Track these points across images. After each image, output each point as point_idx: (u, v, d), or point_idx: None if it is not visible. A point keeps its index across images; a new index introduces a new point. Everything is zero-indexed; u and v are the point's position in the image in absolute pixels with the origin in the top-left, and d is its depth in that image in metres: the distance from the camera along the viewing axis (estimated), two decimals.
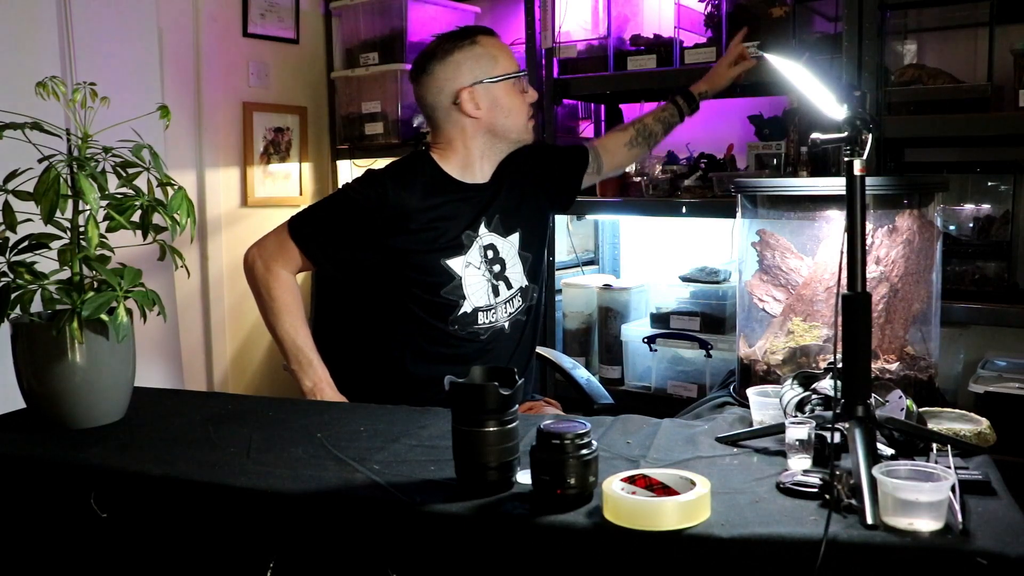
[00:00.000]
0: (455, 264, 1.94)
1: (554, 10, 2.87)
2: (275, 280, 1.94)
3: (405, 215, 1.92)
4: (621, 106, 3.25)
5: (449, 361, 1.93)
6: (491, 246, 1.99)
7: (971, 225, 2.49)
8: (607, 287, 2.99)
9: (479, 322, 1.97)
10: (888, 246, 1.81)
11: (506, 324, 2.00)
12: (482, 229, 1.98)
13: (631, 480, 1.14)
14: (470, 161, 1.99)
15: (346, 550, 1.21)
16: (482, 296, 1.97)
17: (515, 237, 2.03)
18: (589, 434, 1.16)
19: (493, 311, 1.98)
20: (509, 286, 2.01)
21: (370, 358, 2.00)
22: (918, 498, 1.05)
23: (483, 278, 1.97)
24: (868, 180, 1.31)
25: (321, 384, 1.90)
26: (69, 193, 1.45)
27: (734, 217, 2.03)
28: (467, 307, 1.95)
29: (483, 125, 1.96)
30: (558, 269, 3.02)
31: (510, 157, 2.05)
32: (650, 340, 2.77)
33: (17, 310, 1.48)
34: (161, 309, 1.54)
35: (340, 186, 2.07)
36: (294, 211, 2.02)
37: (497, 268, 1.99)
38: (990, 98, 2.20)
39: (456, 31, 1.98)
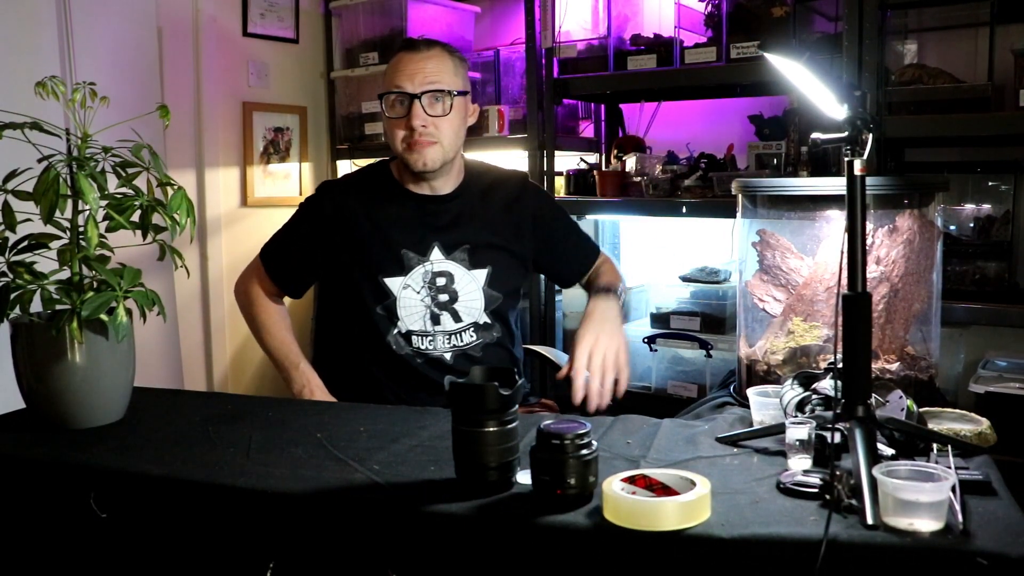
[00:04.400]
0: (392, 283, 1.89)
1: (554, 10, 2.87)
2: (255, 304, 2.01)
3: (347, 219, 1.91)
4: (621, 106, 3.26)
5: (391, 381, 1.90)
6: (445, 274, 1.91)
7: (971, 225, 2.49)
8: None
9: (413, 344, 1.89)
10: (888, 246, 1.81)
11: (447, 355, 1.90)
12: (435, 254, 1.91)
13: (631, 480, 1.14)
14: (400, 171, 1.96)
15: (346, 550, 1.21)
16: (416, 321, 1.89)
17: (482, 273, 1.93)
18: (589, 434, 1.16)
19: (430, 338, 1.90)
20: (457, 319, 1.91)
21: (354, 368, 1.97)
22: (918, 498, 1.04)
23: (421, 304, 1.89)
24: (868, 180, 1.31)
25: (310, 386, 1.91)
26: (69, 193, 1.45)
27: (734, 217, 2.03)
28: (401, 327, 1.89)
29: None
30: None
31: (502, 188, 2.00)
32: (650, 340, 2.77)
33: (17, 310, 1.47)
34: (161, 309, 1.54)
35: None
36: (293, 211, 2.02)
37: (444, 297, 1.90)
38: (990, 98, 2.20)
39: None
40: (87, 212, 1.45)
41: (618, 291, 1.98)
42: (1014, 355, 2.35)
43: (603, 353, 1.78)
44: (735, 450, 1.38)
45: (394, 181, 1.96)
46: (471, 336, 1.93)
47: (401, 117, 1.87)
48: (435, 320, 1.90)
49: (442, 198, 1.95)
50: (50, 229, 1.49)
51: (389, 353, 1.89)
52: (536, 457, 1.16)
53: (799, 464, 1.28)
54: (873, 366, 1.65)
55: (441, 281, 1.91)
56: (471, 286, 1.93)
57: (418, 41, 1.93)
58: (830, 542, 1.03)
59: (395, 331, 1.90)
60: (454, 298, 1.91)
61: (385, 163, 2.01)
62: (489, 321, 1.95)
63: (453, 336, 1.91)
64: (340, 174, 3.54)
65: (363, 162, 3.51)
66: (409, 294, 1.89)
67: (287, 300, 2.05)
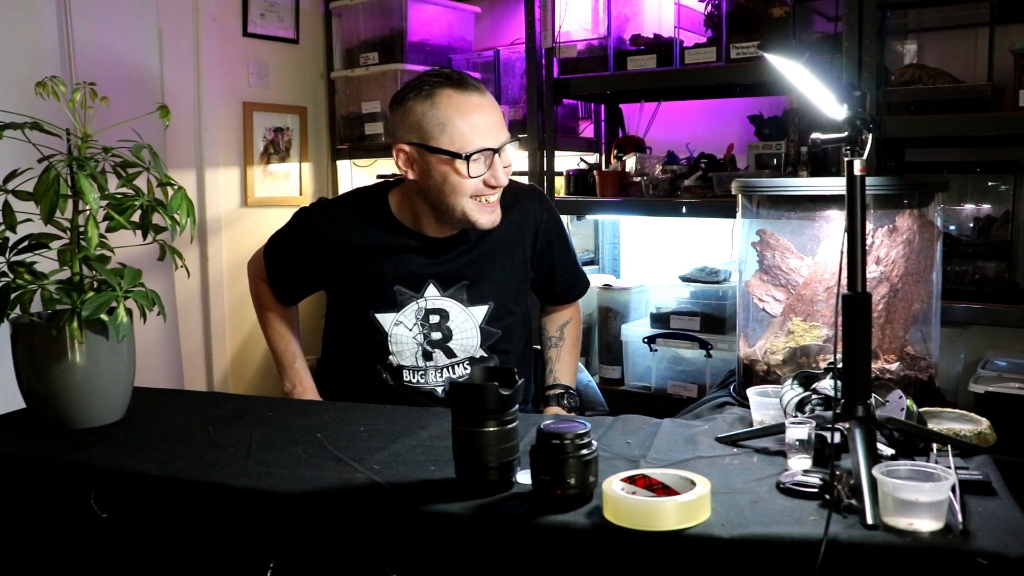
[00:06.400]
0: (384, 319, 1.81)
1: (554, 10, 2.87)
2: (260, 291, 2.00)
3: (338, 250, 1.83)
4: (621, 106, 3.26)
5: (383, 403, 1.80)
6: (439, 311, 1.83)
7: (971, 225, 2.49)
8: (607, 287, 2.99)
9: (404, 378, 1.84)
10: (888, 246, 1.81)
11: (439, 389, 1.85)
12: (430, 291, 1.82)
13: (631, 480, 1.14)
14: (416, 215, 1.81)
15: (346, 550, 1.21)
16: (409, 357, 1.83)
17: (481, 310, 1.85)
18: (589, 434, 1.16)
19: (422, 372, 1.84)
20: (450, 355, 1.84)
21: (351, 377, 1.94)
22: (918, 498, 1.05)
23: (413, 341, 1.82)
24: (868, 180, 1.31)
25: (301, 387, 1.92)
26: (69, 193, 1.45)
27: (734, 217, 2.03)
28: (393, 361, 1.83)
29: (419, 188, 1.74)
30: None
31: (522, 210, 1.88)
32: (650, 340, 2.77)
33: (17, 310, 1.48)
34: (161, 309, 1.54)
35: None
36: (293, 211, 2.02)
37: (438, 336, 1.83)
38: (990, 98, 2.20)
39: (434, 71, 1.74)
40: (87, 212, 1.45)
41: (575, 399, 1.97)
42: (1014, 355, 2.35)
43: None
44: (735, 450, 1.39)
45: (389, 214, 1.83)
46: (464, 369, 1.85)
47: (481, 174, 1.69)
48: (427, 356, 1.83)
49: (440, 240, 1.82)
50: (50, 229, 1.49)
51: (380, 381, 1.85)
52: (536, 457, 1.16)
53: (799, 464, 1.28)
54: (873, 366, 1.65)
55: (435, 319, 1.82)
56: (467, 324, 1.84)
57: (469, 79, 1.72)
58: (830, 542, 1.03)
59: (386, 364, 1.84)
60: (448, 336, 1.83)
61: (383, 192, 1.87)
62: (485, 355, 1.87)
63: (446, 370, 1.85)
64: (340, 174, 3.55)
65: (363, 162, 3.52)
66: (401, 331, 1.82)
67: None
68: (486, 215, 1.74)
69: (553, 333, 2.06)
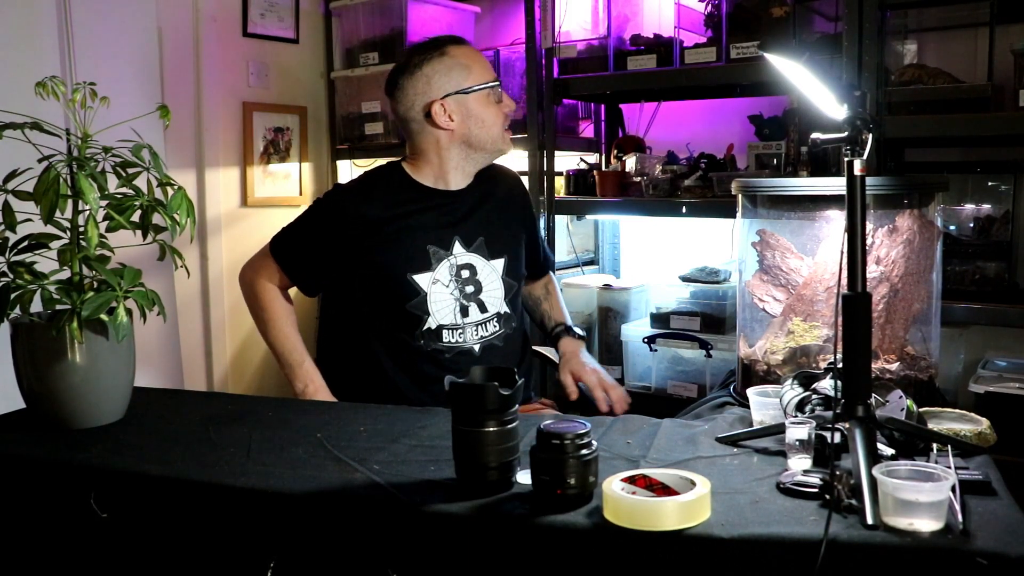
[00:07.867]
0: (422, 280, 1.91)
1: (554, 10, 2.87)
2: (262, 292, 2.01)
3: (371, 225, 1.91)
4: (621, 106, 3.26)
5: (417, 379, 1.92)
6: (468, 266, 1.96)
7: (971, 225, 2.49)
8: (607, 287, 2.99)
9: (443, 339, 1.92)
10: (888, 246, 1.81)
11: (476, 346, 1.95)
12: (457, 248, 1.95)
13: (631, 480, 1.14)
14: (444, 171, 1.98)
15: (346, 550, 1.21)
16: (447, 315, 1.92)
17: (500, 263, 2.01)
18: (589, 434, 1.17)
19: (460, 331, 1.93)
20: (484, 309, 1.97)
21: (363, 367, 1.97)
22: (918, 498, 1.05)
23: (451, 297, 1.93)
24: (868, 180, 1.31)
25: (313, 385, 1.92)
26: (69, 193, 1.45)
27: (734, 217, 2.04)
28: (431, 323, 1.91)
29: (457, 137, 1.95)
30: (558, 269, 3.02)
31: (499, 182, 2.08)
32: (650, 340, 2.77)
33: (17, 310, 1.48)
34: (161, 309, 1.54)
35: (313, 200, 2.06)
36: (294, 211, 2.02)
37: (471, 289, 1.96)
38: (990, 98, 2.20)
39: (425, 42, 1.98)
40: (87, 212, 1.45)
41: (581, 330, 2.19)
42: (1014, 355, 2.35)
43: (603, 378, 2.06)
44: (735, 450, 1.39)
45: (411, 180, 1.98)
46: (495, 327, 1.98)
47: (498, 103, 1.96)
48: (464, 312, 1.94)
49: (456, 193, 1.99)
50: (50, 229, 1.49)
51: (414, 351, 1.90)
52: (536, 457, 1.16)
53: (799, 464, 1.28)
54: (873, 366, 1.65)
55: (466, 273, 1.96)
56: (492, 276, 1.99)
57: (457, 36, 2.00)
58: (830, 542, 1.03)
59: (425, 327, 1.91)
60: (479, 289, 1.96)
61: (397, 164, 2.02)
62: (509, 311, 2.01)
63: (480, 327, 1.96)
64: (340, 174, 3.55)
65: (363, 162, 3.51)
66: (439, 288, 1.92)
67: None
68: (510, 143, 2.01)
69: (539, 292, 2.26)
